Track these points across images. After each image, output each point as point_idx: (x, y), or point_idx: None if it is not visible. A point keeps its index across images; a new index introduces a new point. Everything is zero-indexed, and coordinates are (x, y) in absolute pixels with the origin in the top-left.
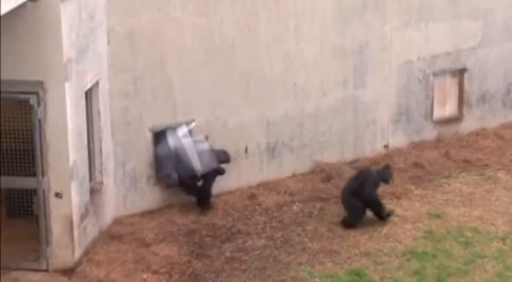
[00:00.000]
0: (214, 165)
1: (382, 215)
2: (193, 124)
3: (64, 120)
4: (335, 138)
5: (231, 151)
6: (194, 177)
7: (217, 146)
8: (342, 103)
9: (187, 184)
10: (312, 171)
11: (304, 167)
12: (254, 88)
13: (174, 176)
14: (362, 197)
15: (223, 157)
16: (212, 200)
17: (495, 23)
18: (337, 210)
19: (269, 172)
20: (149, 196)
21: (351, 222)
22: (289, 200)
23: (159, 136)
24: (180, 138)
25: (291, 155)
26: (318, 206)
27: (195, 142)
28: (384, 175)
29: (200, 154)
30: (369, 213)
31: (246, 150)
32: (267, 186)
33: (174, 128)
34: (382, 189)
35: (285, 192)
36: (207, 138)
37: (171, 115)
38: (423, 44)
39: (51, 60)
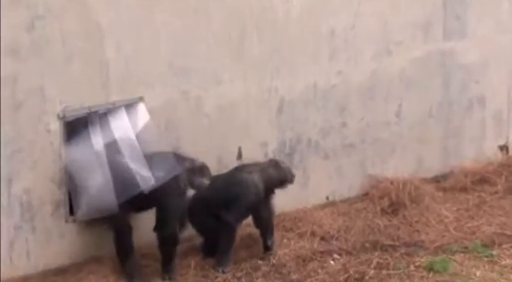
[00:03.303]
0: (176, 171)
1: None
2: (140, 107)
3: None
4: (407, 134)
5: (211, 156)
6: (143, 200)
7: (186, 148)
8: (421, 67)
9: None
10: (365, 195)
11: (350, 187)
12: (254, 42)
13: (109, 200)
14: (223, 219)
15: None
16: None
17: None
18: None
19: (284, 195)
20: (58, 242)
21: (220, 261)
22: (321, 249)
23: (75, 129)
24: (114, 131)
25: (325, 164)
26: (376, 260)
27: (141, 136)
28: (284, 175)
29: (153, 158)
30: None
31: (238, 155)
32: (281, 221)
33: (103, 114)
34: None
35: (313, 233)
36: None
37: (98, 90)
38: None
39: None
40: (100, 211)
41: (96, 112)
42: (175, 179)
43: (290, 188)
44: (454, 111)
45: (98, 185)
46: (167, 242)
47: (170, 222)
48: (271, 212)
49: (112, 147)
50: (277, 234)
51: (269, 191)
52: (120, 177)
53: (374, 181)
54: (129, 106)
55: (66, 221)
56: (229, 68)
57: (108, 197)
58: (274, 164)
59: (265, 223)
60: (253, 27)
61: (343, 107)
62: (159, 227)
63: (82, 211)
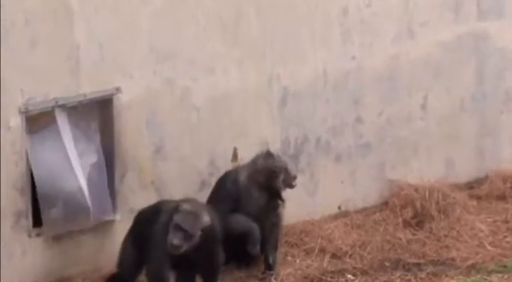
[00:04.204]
0: None
1: None
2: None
3: None
4: (434, 132)
5: (201, 158)
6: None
7: (171, 148)
8: (450, 52)
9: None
10: (384, 204)
11: (366, 195)
12: (252, 22)
13: (83, 211)
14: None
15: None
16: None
17: None
18: None
19: (288, 204)
20: (20, 260)
21: None
22: (332, 269)
23: (41, 126)
24: (86, 130)
25: (336, 167)
26: None
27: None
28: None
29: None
30: None
31: (234, 157)
32: (284, 236)
33: (73, 108)
34: None
35: (322, 250)
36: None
37: (67, 79)
38: None
39: None
40: (71, 224)
41: (64, 106)
42: None
43: (295, 195)
44: (489, 105)
45: (69, 192)
46: None
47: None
48: (275, 223)
49: (85, 147)
50: (279, 251)
51: (271, 195)
52: (96, 188)
53: (395, 188)
54: (104, 98)
55: (30, 236)
56: (222, 53)
57: (81, 207)
58: (265, 156)
59: (267, 236)
60: (251, 4)
61: (357, 100)
62: None
63: (50, 223)
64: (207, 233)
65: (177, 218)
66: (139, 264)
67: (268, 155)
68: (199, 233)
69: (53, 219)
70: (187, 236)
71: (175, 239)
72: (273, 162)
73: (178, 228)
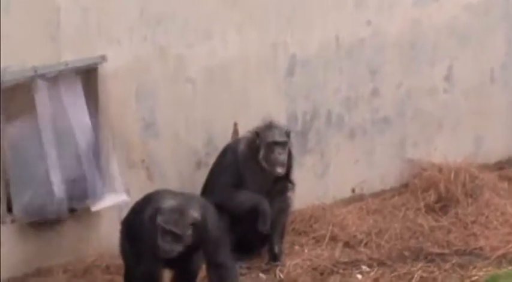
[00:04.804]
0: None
1: None
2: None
3: None
4: (460, 105)
5: (197, 135)
6: None
7: (163, 123)
8: (479, 16)
9: None
10: (404, 187)
11: (384, 176)
12: None
13: (59, 196)
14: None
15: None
16: None
17: None
18: None
19: (296, 188)
20: None
21: None
22: (345, 260)
23: (16, 98)
24: (67, 103)
25: (350, 145)
26: (418, 274)
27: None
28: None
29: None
30: None
31: (234, 133)
32: (291, 222)
33: (53, 79)
34: None
35: (334, 238)
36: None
37: (46, 46)
38: None
39: None
40: (47, 210)
41: (43, 75)
42: None
43: (303, 177)
44: None
45: (44, 175)
46: None
47: None
48: (282, 209)
49: (64, 125)
50: (286, 239)
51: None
52: (73, 170)
53: (416, 168)
54: (87, 68)
55: (3, 222)
56: (220, 17)
57: (57, 191)
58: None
59: (272, 223)
60: None
61: (374, 69)
62: None
63: (23, 209)
64: (200, 229)
65: (162, 219)
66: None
67: (268, 126)
68: (189, 231)
69: (24, 206)
70: (176, 237)
71: (165, 244)
72: (271, 135)
73: (165, 231)
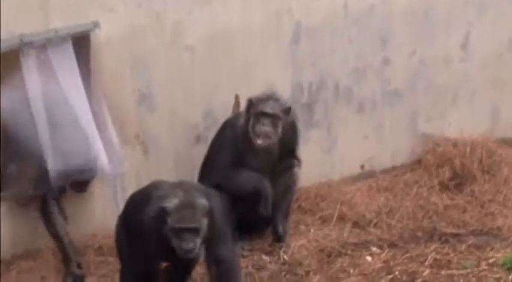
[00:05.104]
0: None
1: None
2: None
3: None
4: (476, 76)
5: (196, 107)
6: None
7: (159, 95)
8: None
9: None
10: (416, 163)
11: (395, 152)
12: None
13: (48, 171)
14: None
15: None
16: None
17: None
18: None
19: (301, 164)
20: None
21: None
22: (354, 240)
23: (5, 69)
24: (57, 72)
25: (359, 119)
26: (432, 256)
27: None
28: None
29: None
30: None
31: (236, 106)
32: (296, 200)
33: (42, 47)
34: None
35: (342, 217)
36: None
37: (34, 12)
38: None
39: None
40: (35, 186)
41: (31, 43)
42: None
43: (309, 153)
44: None
45: (31, 149)
46: None
47: None
48: (288, 186)
49: (54, 95)
50: (291, 219)
51: (282, 150)
52: (64, 142)
53: (429, 143)
54: (79, 36)
55: None
56: None
57: (50, 163)
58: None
59: (277, 201)
60: None
61: (385, 37)
62: None
63: (9, 186)
64: (209, 217)
65: (173, 220)
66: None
67: (265, 97)
68: (205, 221)
69: (11, 180)
70: (195, 232)
71: (184, 243)
72: (263, 105)
73: (180, 230)
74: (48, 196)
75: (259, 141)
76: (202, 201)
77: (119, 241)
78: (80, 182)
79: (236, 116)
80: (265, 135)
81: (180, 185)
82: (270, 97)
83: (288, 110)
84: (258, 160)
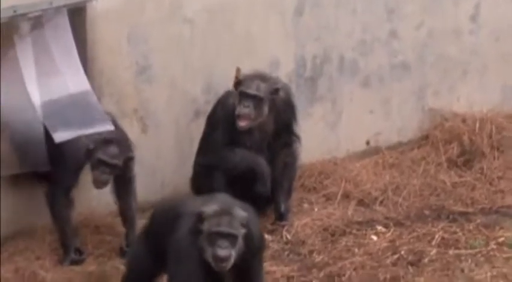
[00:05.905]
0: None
1: None
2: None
3: None
4: (487, 49)
5: (196, 81)
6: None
7: (158, 68)
8: None
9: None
10: (424, 139)
11: (402, 127)
12: None
13: (43, 148)
14: None
15: None
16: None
17: None
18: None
19: (305, 140)
20: None
21: None
22: (359, 219)
23: None
24: (52, 46)
25: (365, 93)
26: (439, 235)
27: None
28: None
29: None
30: None
31: (236, 77)
32: (299, 178)
33: (37, 19)
34: None
35: (346, 195)
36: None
37: None
38: None
39: None
40: (31, 163)
41: (24, 15)
42: None
43: (312, 128)
44: None
45: (26, 125)
46: None
47: None
48: (289, 163)
49: (48, 69)
50: (294, 197)
51: (278, 127)
52: (58, 116)
53: (437, 118)
54: (75, 7)
55: None
56: None
57: (40, 143)
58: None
59: (278, 179)
60: None
61: (392, 8)
62: None
63: (5, 163)
64: (247, 230)
65: (211, 223)
66: (153, 274)
67: (251, 76)
68: (242, 231)
69: (8, 158)
70: (232, 241)
71: (219, 250)
72: (246, 85)
73: (217, 235)
74: (56, 182)
75: (241, 123)
76: (240, 212)
77: (137, 257)
78: None
79: (227, 94)
80: (245, 117)
81: (213, 198)
82: (257, 76)
83: (275, 91)
84: (252, 138)
